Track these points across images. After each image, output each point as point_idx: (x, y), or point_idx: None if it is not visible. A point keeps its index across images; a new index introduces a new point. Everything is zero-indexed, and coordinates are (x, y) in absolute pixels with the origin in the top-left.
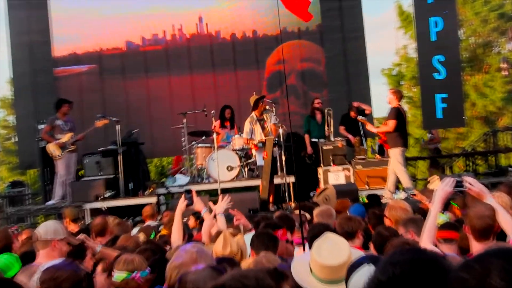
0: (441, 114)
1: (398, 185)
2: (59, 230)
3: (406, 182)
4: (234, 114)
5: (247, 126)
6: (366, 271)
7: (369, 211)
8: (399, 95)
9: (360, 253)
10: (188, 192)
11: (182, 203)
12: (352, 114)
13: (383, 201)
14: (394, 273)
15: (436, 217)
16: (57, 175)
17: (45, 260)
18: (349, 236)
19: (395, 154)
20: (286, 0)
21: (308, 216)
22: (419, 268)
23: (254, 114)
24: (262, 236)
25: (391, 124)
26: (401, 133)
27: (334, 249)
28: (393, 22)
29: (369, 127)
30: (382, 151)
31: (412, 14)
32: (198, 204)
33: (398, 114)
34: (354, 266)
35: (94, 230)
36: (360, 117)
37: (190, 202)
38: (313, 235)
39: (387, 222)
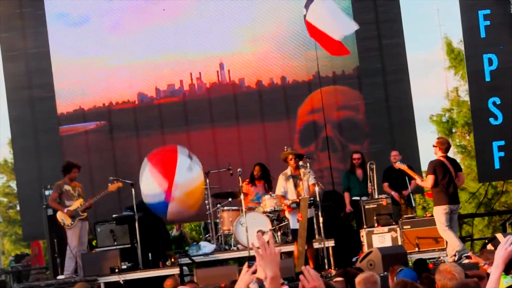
0: (499, 165)
1: None
2: None
3: (453, 243)
4: (268, 171)
5: (280, 183)
6: None
7: (423, 275)
8: (443, 146)
9: None
10: (251, 259)
11: (247, 273)
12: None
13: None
14: None
15: (497, 281)
16: (68, 247)
17: None
18: None
19: (436, 213)
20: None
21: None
22: None
23: (288, 170)
24: None
25: (429, 179)
26: (442, 189)
27: None
28: (442, 61)
29: (417, 181)
30: None
31: (462, 52)
32: (262, 272)
33: (435, 168)
34: None
35: None
36: (398, 163)
37: (254, 271)
38: None
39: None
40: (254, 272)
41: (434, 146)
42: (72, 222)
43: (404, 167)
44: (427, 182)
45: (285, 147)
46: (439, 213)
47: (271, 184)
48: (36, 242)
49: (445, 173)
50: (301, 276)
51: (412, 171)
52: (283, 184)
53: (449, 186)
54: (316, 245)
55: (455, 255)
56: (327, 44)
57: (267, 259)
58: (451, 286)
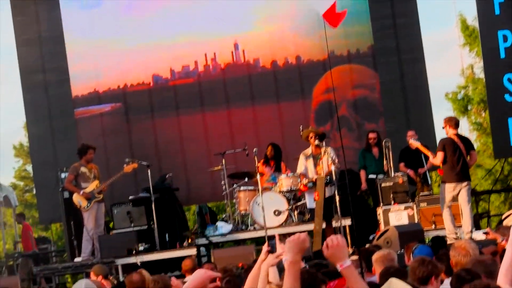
0: None
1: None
2: None
3: (446, 225)
4: (281, 151)
5: (301, 161)
6: None
7: (440, 251)
8: (451, 123)
9: None
10: (271, 238)
11: (271, 255)
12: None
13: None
14: None
15: None
16: (85, 229)
17: None
18: (422, 282)
19: (442, 190)
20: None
21: None
22: None
23: (309, 149)
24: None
25: (438, 156)
26: (451, 166)
27: None
28: (457, 39)
29: (430, 158)
30: None
31: (477, 29)
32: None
33: (445, 145)
34: None
35: None
36: (412, 141)
37: (274, 250)
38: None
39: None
40: (272, 252)
41: (443, 127)
42: (89, 204)
43: (417, 144)
44: (437, 159)
45: (301, 127)
46: (445, 190)
47: (280, 165)
48: (27, 226)
49: (455, 150)
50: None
51: (426, 148)
52: (304, 163)
53: (458, 163)
54: (333, 223)
55: (470, 232)
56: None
57: (292, 242)
58: (466, 263)
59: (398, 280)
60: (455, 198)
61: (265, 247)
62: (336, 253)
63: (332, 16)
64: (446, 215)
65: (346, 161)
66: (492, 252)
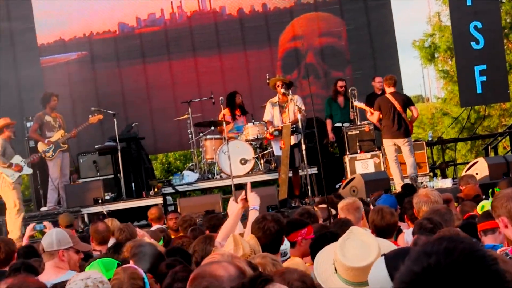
0: (481, 89)
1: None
2: (65, 239)
3: (394, 176)
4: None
5: (268, 109)
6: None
7: (406, 200)
8: (388, 82)
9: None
10: (239, 188)
11: (242, 200)
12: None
13: None
14: (429, 263)
15: None
16: (50, 178)
17: (53, 272)
18: (388, 233)
19: (384, 145)
20: None
21: (333, 211)
22: (455, 258)
23: (276, 97)
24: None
25: (374, 115)
26: (386, 124)
27: (361, 248)
28: None
29: (368, 116)
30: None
31: None
32: (253, 200)
33: (380, 104)
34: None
35: (95, 238)
36: (356, 103)
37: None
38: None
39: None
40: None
41: (383, 82)
42: (53, 154)
43: (361, 104)
44: (373, 117)
45: (267, 75)
46: (385, 145)
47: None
48: None
49: (389, 109)
50: None
51: (369, 107)
52: (270, 111)
53: (393, 121)
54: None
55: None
56: None
57: None
58: (427, 210)
59: (359, 228)
60: (397, 151)
61: (242, 195)
62: None
63: None
64: (392, 167)
65: (311, 109)
66: (446, 199)
